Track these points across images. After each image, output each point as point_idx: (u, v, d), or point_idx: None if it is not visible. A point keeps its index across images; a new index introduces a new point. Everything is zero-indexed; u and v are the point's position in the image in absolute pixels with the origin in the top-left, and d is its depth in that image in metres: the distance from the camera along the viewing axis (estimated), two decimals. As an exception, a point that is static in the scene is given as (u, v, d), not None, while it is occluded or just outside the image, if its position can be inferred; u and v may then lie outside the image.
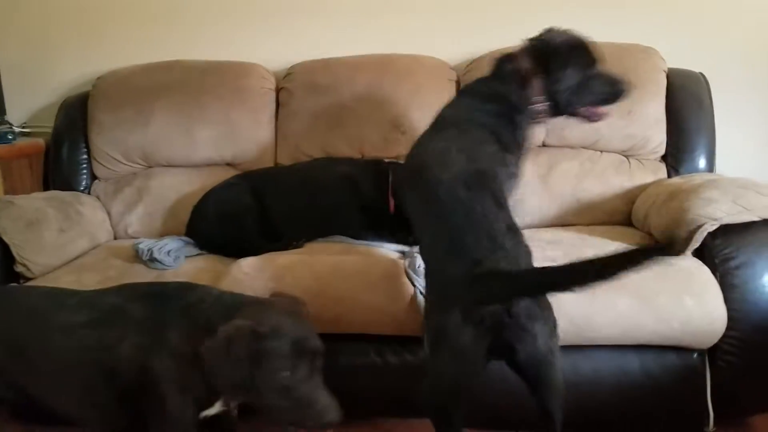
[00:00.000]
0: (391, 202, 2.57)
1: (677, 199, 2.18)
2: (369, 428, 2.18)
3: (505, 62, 2.02)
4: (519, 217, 1.73)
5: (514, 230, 1.60)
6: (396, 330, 2.04)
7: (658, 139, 2.63)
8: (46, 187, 2.97)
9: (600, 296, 1.92)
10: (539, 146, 2.72)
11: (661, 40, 2.74)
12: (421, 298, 2.01)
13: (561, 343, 1.93)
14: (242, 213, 2.47)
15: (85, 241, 2.63)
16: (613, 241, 2.27)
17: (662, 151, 2.65)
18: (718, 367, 1.98)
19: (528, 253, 1.61)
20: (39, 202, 2.56)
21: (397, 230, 2.58)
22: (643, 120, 2.62)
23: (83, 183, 2.93)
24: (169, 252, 2.36)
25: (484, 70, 2.73)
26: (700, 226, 2.01)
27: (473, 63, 2.84)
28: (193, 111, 2.83)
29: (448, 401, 1.58)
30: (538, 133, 2.67)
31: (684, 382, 2.00)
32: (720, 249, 2.02)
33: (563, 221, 2.63)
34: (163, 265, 2.31)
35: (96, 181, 2.95)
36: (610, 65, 2.65)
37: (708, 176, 2.46)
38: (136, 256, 2.38)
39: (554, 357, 1.56)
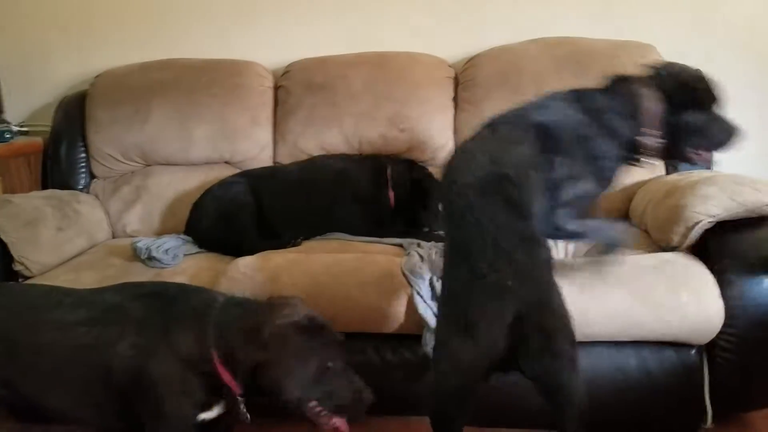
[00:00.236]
0: (391, 196, 2.58)
1: (674, 195, 2.18)
2: (368, 426, 2.17)
3: (622, 82, 1.76)
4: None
5: (530, 241, 1.47)
6: (394, 328, 2.04)
7: (655, 135, 2.62)
8: (45, 186, 2.97)
9: (596, 292, 1.92)
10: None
11: (658, 37, 2.74)
12: (418, 298, 2.01)
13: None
14: (240, 211, 2.47)
15: (83, 240, 2.63)
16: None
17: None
18: (715, 363, 1.98)
19: (546, 267, 1.49)
20: (37, 200, 2.57)
21: (398, 224, 2.60)
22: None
23: (81, 182, 2.94)
24: (167, 250, 2.36)
25: (483, 68, 2.77)
26: (697, 223, 2.01)
27: (471, 60, 2.84)
28: (190, 109, 2.83)
29: (449, 408, 1.55)
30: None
31: (681, 378, 2.00)
32: (717, 245, 2.02)
33: (561, 218, 2.62)
34: (162, 263, 2.31)
35: (94, 179, 2.95)
36: (606, 62, 2.67)
37: (705, 173, 2.46)
38: (135, 255, 2.38)
39: (566, 373, 1.45)
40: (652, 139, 1.70)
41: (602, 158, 1.67)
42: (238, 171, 2.76)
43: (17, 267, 2.34)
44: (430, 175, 2.62)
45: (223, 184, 2.60)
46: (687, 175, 2.40)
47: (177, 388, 1.49)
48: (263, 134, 2.86)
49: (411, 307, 2.01)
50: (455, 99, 2.82)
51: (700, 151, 1.80)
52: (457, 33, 2.97)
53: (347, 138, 2.79)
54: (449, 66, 2.89)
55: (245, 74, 2.91)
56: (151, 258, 2.31)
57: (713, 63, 2.74)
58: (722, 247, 2.01)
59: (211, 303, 1.54)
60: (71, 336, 1.52)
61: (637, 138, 1.70)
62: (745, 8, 2.80)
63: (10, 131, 3.05)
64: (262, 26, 3.07)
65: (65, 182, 2.91)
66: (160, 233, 2.71)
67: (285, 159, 2.83)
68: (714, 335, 1.94)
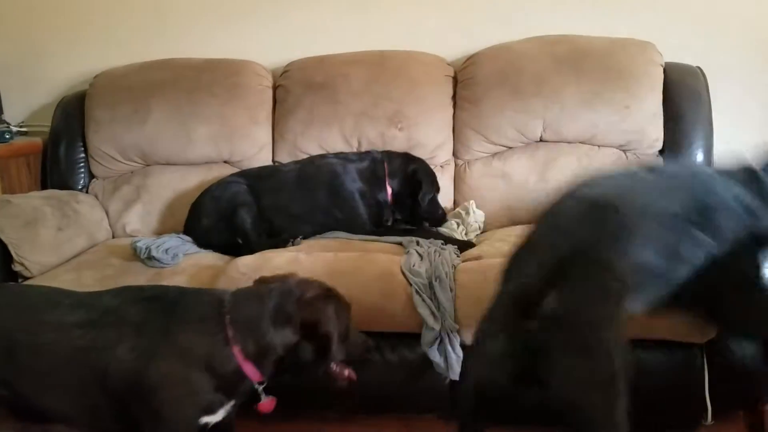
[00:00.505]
0: (389, 192, 2.58)
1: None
2: (368, 424, 2.18)
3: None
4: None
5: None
6: (393, 327, 2.04)
7: (655, 133, 2.62)
8: (44, 186, 2.97)
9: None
10: (536, 141, 2.72)
11: (657, 35, 2.73)
12: (417, 297, 2.01)
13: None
14: (239, 211, 2.47)
15: (83, 240, 2.63)
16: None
17: (659, 145, 2.64)
18: (715, 360, 1.98)
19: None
20: (37, 200, 2.56)
21: (398, 220, 2.60)
22: (640, 114, 2.62)
23: (81, 182, 2.94)
24: (167, 250, 2.36)
25: (482, 66, 2.77)
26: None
27: (470, 59, 2.84)
28: (189, 109, 2.83)
29: (474, 402, 1.55)
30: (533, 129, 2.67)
31: (682, 375, 2.00)
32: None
33: (561, 216, 2.62)
34: (161, 263, 2.30)
35: (94, 179, 2.95)
36: (605, 60, 2.67)
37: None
38: (135, 254, 2.38)
39: (590, 399, 1.36)
40: None
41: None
42: (237, 170, 2.76)
43: (17, 267, 2.34)
44: (421, 167, 2.62)
45: (222, 183, 2.60)
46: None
47: (182, 392, 1.49)
48: (262, 134, 2.86)
49: (410, 305, 2.01)
50: (454, 97, 2.82)
51: None
52: (456, 31, 2.96)
53: (346, 137, 2.78)
54: (448, 64, 2.88)
55: (244, 74, 2.91)
56: (150, 257, 2.31)
57: (712, 61, 2.76)
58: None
59: (220, 303, 1.54)
60: (68, 338, 1.51)
61: None
62: (744, 6, 2.79)
63: (10, 131, 3.05)
64: (260, 26, 3.07)
65: (65, 182, 2.91)
66: (159, 233, 2.71)
67: (284, 158, 2.83)
68: (715, 333, 1.94)
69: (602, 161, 2.64)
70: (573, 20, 2.87)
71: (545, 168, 2.67)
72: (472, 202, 2.66)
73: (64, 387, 1.53)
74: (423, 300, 2.01)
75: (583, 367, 1.33)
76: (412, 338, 2.03)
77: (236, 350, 1.50)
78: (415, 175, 2.58)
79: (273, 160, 2.86)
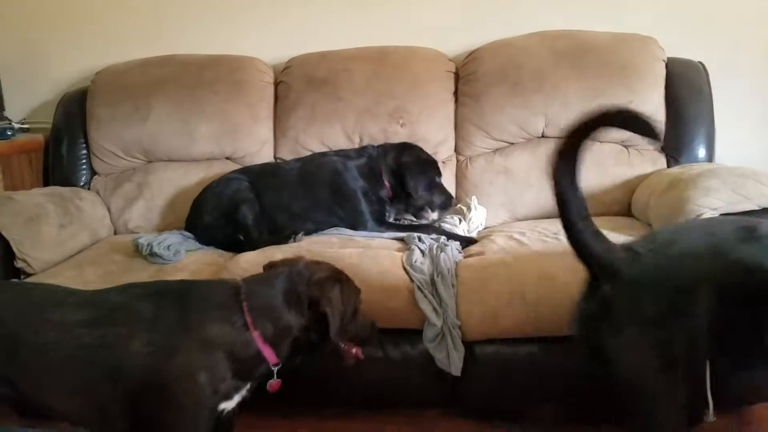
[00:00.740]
0: (387, 187, 2.57)
1: (676, 188, 2.17)
2: (370, 420, 2.18)
3: None
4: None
5: None
6: (395, 323, 2.04)
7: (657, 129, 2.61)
8: (46, 183, 2.98)
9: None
10: (538, 137, 2.72)
11: (659, 30, 2.73)
12: (419, 293, 2.01)
13: (556, 333, 1.95)
14: (241, 208, 2.47)
15: (85, 237, 2.64)
16: (612, 231, 2.27)
17: (661, 141, 2.64)
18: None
19: None
20: (39, 197, 2.57)
21: (400, 212, 2.60)
22: (642, 110, 2.55)
23: (83, 178, 2.94)
24: (169, 246, 2.37)
25: (484, 62, 2.77)
26: (699, 216, 2.01)
27: (472, 54, 2.83)
28: (191, 105, 2.83)
29: None
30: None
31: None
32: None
33: (563, 212, 2.62)
34: (163, 259, 2.31)
35: (96, 176, 2.95)
36: (607, 55, 2.67)
37: (707, 166, 2.46)
38: (137, 251, 2.38)
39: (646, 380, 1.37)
40: None
41: None
42: (239, 167, 2.76)
43: (19, 264, 2.35)
44: (411, 157, 2.59)
45: (224, 180, 2.60)
46: (689, 168, 2.40)
47: (204, 380, 1.49)
48: (264, 130, 2.86)
49: (412, 301, 2.01)
50: (456, 93, 2.81)
51: None
52: (457, 26, 2.96)
53: (348, 134, 2.78)
54: (449, 60, 2.88)
55: (246, 70, 2.91)
56: (152, 254, 2.32)
57: (713, 55, 2.76)
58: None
59: (236, 291, 1.58)
60: (73, 336, 1.51)
61: None
62: (746, 1, 2.79)
63: (12, 128, 3.06)
64: (262, 22, 3.06)
65: (67, 179, 2.92)
66: (161, 229, 2.72)
67: (286, 155, 2.83)
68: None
69: (604, 157, 2.64)
70: (575, 15, 2.86)
71: (547, 164, 2.66)
72: (474, 198, 2.65)
73: (71, 386, 1.53)
74: (425, 296, 2.01)
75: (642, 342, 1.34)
76: (414, 334, 2.04)
77: (256, 335, 1.54)
78: (400, 168, 2.57)
79: (275, 157, 2.86)
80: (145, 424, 1.52)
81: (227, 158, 2.88)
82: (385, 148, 2.64)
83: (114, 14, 3.14)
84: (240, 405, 1.63)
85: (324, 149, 2.77)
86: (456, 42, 2.93)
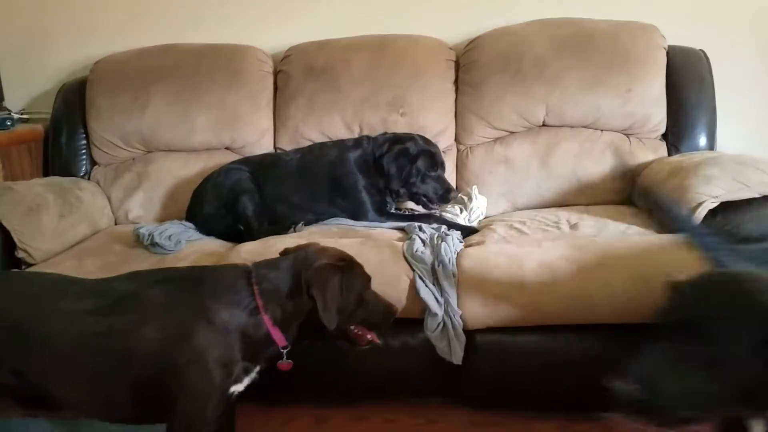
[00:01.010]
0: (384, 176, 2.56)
1: (677, 176, 2.17)
2: (372, 410, 2.19)
3: None
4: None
5: None
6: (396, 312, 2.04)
7: (658, 117, 2.61)
8: (46, 173, 2.97)
9: (597, 275, 1.92)
10: (539, 126, 2.71)
11: (660, 17, 2.71)
12: (420, 282, 2.01)
13: (557, 322, 1.95)
14: (242, 198, 2.47)
15: (85, 227, 2.63)
16: (613, 220, 2.27)
17: (662, 129, 2.64)
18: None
19: None
20: (39, 188, 2.56)
21: (400, 200, 2.58)
22: (643, 98, 2.60)
23: (83, 169, 2.93)
24: (170, 237, 2.36)
25: (484, 50, 2.75)
26: (700, 204, 2.01)
27: (472, 43, 2.82)
28: (190, 95, 2.82)
29: None
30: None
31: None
32: (720, 226, 2.01)
33: (563, 201, 2.62)
34: (164, 249, 2.31)
35: (95, 166, 2.95)
36: (608, 43, 2.65)
37: (708, 154, 2.45)
38: (137, 241, 2.38)
39: None
40: None
41: None
42: (239, 157, 2.75)
43: (20, 254, 2.35)
44: (391, 154, 2.52)
45: (224, 170, 2.60)
46: (690, 156, 2.39)
47: (217, 364, 1.51)
48: (264, 120, 2.85)
49: (413, 291, 2.02)
50: (456, 82, 2.80)
51: None
52: (457, 14, 2.94)
53: (348, 123, 2.77)
54: (450, 48, 2.87)
55: (246, 59, 2.90)
56: (153, 244, 2.31)
57: (715, 44, 2.74)
58: (726, 227, 2.00)
59: (247, 275, 1.60)
60: (80, 325, 1.52)
61: None
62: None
63: (11, 119, 3.05)
64: (261, 11, 3.05)
65: (66, 169, 2.91)
66: (161, 219, 2.72)
67: (286, 145, 2.82)
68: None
69: (605, 146, 2.64)
70: (575, 3, 2.85)
71: (547, 153, 2.66)
72: (474, 187, 2.65)
73: (79, 375, 1.53)
74: (426, 285, 2.01)
75: None
76: (415, 324, 2.04)
77: (266, 318, 1.57)
78: (380, 168, 2.52)
79: (274, 147, 2.85)
80: (156, 410, 1.53)
81: (227, 148, 2.87)
82: (377, 141, 2.59)
83: (113, 3, 3.13)
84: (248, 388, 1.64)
85: (324, 139, 2.77)
86: (456, 30, 2.92)
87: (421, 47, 2.83)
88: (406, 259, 2.08)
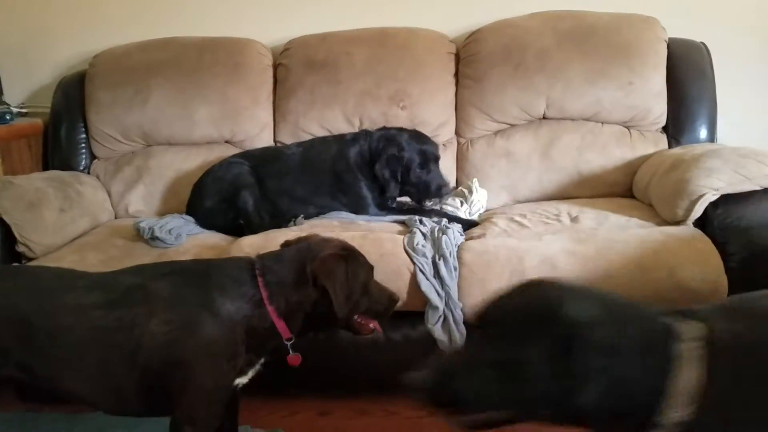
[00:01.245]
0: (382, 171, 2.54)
1: (678, 169, 2.17)
2: (373, 403, 2.19)
3: None
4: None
5: None
6: (397, 306, 2.04)
7: (659, 110, 2.61)
8: (46, 168, 2.96)
9: (599, 265, 1.92)
10: (540, 119, 2.71)
11: (661, 10, 2.70)
12: (420, 275, 2.01)
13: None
14: (242, 192, 2.46)
15: (86, 221, 2.63)
16: (613, 213, 2.28)
17: (663, 122, 2.64)
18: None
19: None
20: (39, 182, 2.56)
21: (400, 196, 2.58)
22: (644, 91, 2.60)
23: (83, 163, 2.93)
24: (170, 230, 2.36)
25: (485, 43, 2.75)
26: (701, 196, 2.01)
27: (473, 35, 2.81)
28: (190, 88, 2.81)
29: None
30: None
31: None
32: (721, 218, 2.01)
33: (564, 194, 2.62)
34: (165, 243, 2.30)
35: (95, 160, 2.94)
36: (610, 36, 2.65)
37: (709, 146, 2.45)
38: (138, 235, 2.38)
39: None
40: None
41: None
42: (239, 151, 2.75)
43: (21, 248, 2.34)
44: (387, 150, 2.50)
45: (225, 164, 2.59)
46: (691, 149, 2.39)
47: (223, 356, 1.52)
48: (264, 114, 2.85)
49: (414, 284, 2.02)
50: (456, 75, 2.79)
51: None
52: (458, 7, 2.93)
53: (348, 117, 2.77)
54: (450, 41, 2.86)
55: (246, 53, 2.89)
56: (154, 238, 2.31)
57: (716, 36, 2.74)
58: (727, 220, 2.00)
59: (251, 267, 1.60)
60: (88, 319, 1.52)
61: None
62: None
63: (11, 113, 3.04)
64: (260, 3, 3.03)
65: (66, 163, 2.91)
66: (162, 213, 2.71)
67: (286, 139, 2.81)
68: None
69: (606, 138, 2.63)
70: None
71: (548, 146, 2.66)
72: (475, 180, 2.65)
73: (88, 368, 1.53)
74: (427, 278, 2.01)
75: None
76: (416, 316, 2.04)
77: (271, 310, 1.57)
78: (373, 168, 2.50)
79: (275, 140, 2.84)
80: (163, 402, 1.53)
81: (227, 142, 2.87)
82: (373, 136, 2.56)
83: (112, -4, 3.12)
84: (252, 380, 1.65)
85: (324, 133, 2.76)
86: (457, 23, 2.91)
87: (422, 40, 2.82)
88: (407, 252, 2.08)
